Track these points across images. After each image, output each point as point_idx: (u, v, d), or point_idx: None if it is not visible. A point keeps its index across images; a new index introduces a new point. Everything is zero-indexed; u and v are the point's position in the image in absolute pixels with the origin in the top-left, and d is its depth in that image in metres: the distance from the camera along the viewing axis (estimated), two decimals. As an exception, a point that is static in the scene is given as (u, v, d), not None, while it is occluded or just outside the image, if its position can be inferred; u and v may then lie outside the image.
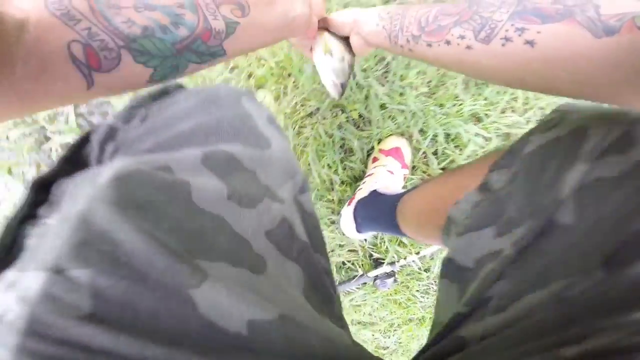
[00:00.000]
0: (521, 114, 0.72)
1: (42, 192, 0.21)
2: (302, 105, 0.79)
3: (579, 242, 0.26)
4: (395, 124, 0.75)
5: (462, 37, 0.29)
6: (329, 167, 0.77)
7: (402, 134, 0.76)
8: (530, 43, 0.25)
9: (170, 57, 0.27)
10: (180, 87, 0.30)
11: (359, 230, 0.75)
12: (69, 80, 0.24)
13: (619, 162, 0.26)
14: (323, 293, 0.30)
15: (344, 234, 0.79)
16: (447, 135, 0.73)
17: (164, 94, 0.29)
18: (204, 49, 0.29)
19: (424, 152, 0.75)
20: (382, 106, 0.75)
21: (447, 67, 0.33)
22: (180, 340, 0.17)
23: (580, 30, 0.23)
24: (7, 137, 0.88)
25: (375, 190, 0.71)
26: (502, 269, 0.29)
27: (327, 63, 0.45)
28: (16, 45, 0.21)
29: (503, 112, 0.71)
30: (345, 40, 0.46)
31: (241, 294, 0.20)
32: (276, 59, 0.79)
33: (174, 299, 0.17)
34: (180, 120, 0.26)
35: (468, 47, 0.29)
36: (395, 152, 0.73)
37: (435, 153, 0.75)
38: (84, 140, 0.26)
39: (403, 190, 0.69)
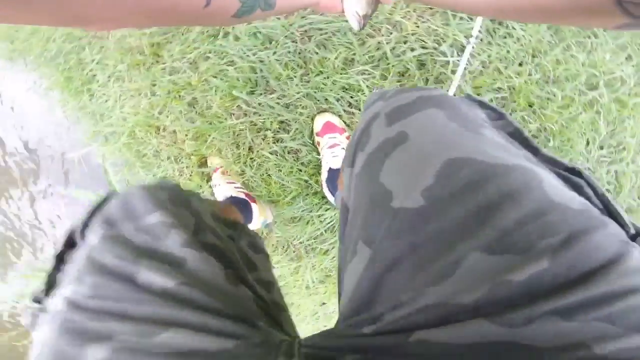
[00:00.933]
0: (383, 35, 0.82)
1: (59, 259, 0.36)
2: (237, 149, 0.93)
3: (353, 223, 0.33)
4: (307, 109, 0.87)
5: None
6: (292, 172, 0.93)
7: (320, 111, 0.88)
8: None
9: None
10: (115, 192, 0.41)
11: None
12: None
13: (369, 144, 0.33)
14: (234, 268, 0.39)
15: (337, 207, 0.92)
16: (345, 89, 0.85)
17: (105, 201, 0.39)
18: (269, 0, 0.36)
19: (345, 112, 0.87)
20: (287, 106, 0.87)
21: (453, 8, 0.37)
22: (128, 299, 0.31)
23: None
24: None
25: (330, 168, 0.84)
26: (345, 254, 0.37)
27: None
28: None
29: (363, 44, 0.81)
30: None
31: (165, 274, 0.32)
32: (193, 133, 0.92)
33: (126, 280, 0.31)
34: (107, 203, 0.38)
35: None
36: (327, 127, 0.85)
37: (350, 106, 0.87)
38: (73, 232, 0.38)
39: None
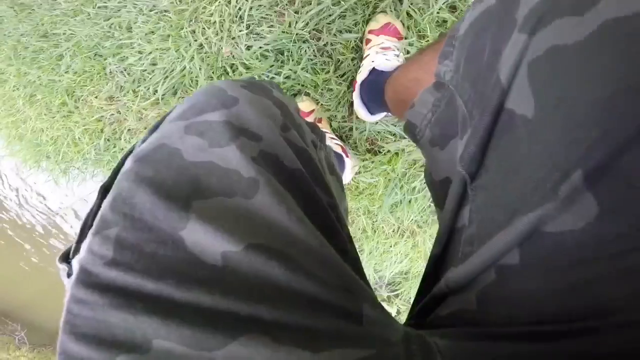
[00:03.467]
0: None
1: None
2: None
3: (544, 144, 0.19)
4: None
5: None
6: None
7: (381, 11, 0.77)
8: None
9: None
10: None
11: (371, 113, 0.77)
12: None
13: (577, 24, 0.19)
14: (326, 226, 0.27)
15: (362, 118, 0.82)
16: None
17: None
18: None
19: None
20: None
21: None
22: (171, 274, 0.20)
23: None
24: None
25: (374, 69, 0.70)
26: (462, 190, 0.25)
27: None
28: None
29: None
30: None
31: (222, 225, 0.21)
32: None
33: (169, 240, 0.21)
34: (171, 113, 0.28)
35: None
36: (386, 29, 0.74)
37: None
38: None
39: (397, 65, 0.68)
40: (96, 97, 1.10)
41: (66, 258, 0.23)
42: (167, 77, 0.99)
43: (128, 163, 0.24)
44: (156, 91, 1.01)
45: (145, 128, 1.05)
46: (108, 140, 1.10)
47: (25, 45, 1.20)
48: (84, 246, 0.21)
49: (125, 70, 1.05)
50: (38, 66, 1.19)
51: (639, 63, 0.17)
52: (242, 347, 0.19)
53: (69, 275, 0.22)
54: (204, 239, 0.21)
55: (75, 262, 0.22)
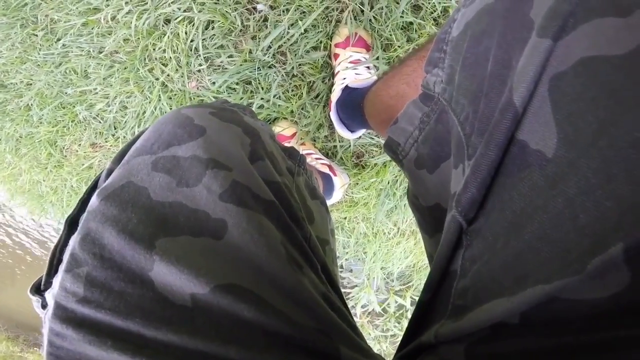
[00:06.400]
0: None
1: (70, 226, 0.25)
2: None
3: (568, 198, 0.15)
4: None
5: None
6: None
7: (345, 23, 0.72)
8: None
9: None
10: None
11: (352, 131, 0.76)
12: None
13: (621, 29, 0.14)
14: (305, 257, 0.27)
15: (344, 137, 0.80)
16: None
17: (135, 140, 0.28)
18: None
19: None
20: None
21: None
22: (139, 313, 0.20)
23: None
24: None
25: (347, 86, 0.68)
26: (457, 236, 0.21)
27: None
28: None
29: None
30: None
31: (189, 266, 0.21)
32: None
33: (137, 280, 0.21)
34: (136, 141, 0.27)
35: None
36: (352, 40, 0.69)
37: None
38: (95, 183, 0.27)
39: (371, 82, 0.64)
40: (79, 145, 1.09)
41: (37, 289, 0.24)
42: (140, 120, 0.96)
43: (95, 200, 0.23)
44: (134, 134, 0.99)
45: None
46: (104, 184, 1.12)
47: (-13, 97, 1.16)
48: (57, 282, 0.22)
49: (97, 116, 1.02)
50: (10, 118, 1.16)
51: None
52: None
53: (43, 306, 0.23)
54: (172, 280, 0.21)
55: (50, 297, 0.22)
